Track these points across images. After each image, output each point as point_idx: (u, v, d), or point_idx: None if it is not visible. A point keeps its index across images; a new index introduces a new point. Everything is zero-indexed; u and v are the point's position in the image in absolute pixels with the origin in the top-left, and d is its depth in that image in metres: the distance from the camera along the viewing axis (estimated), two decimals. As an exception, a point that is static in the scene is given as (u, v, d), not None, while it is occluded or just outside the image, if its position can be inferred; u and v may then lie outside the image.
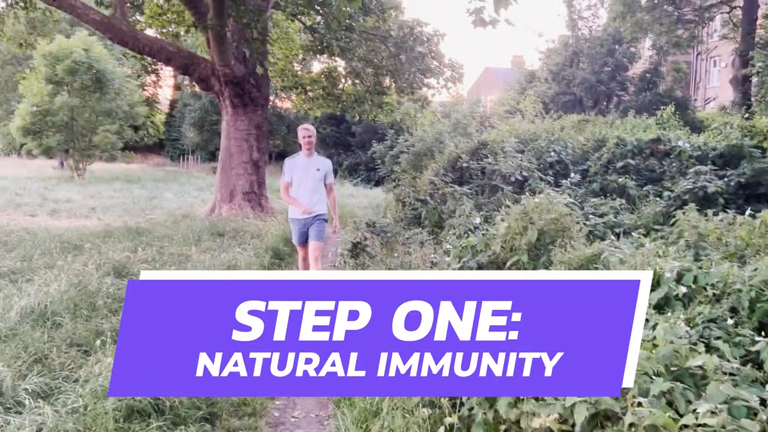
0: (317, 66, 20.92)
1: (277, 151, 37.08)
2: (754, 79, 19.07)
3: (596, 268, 5.19)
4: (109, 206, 14.99)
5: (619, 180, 10.52)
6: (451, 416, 3.09)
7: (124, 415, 3.45)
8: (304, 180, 6.40)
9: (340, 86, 17.27)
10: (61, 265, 7.03)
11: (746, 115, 13.36)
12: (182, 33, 15.78)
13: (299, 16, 15.15)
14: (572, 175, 10.55)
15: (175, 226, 10.75)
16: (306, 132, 6.45)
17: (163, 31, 15.36)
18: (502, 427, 2.99)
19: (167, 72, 38.60)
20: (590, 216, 8.73)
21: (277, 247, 9.43)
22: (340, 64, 16.85)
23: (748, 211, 6.34)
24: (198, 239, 9.34)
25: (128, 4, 13.96)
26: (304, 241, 6.49)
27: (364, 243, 8.45)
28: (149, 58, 14.49)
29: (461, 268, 6.40)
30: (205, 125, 36.59)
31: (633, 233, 7.35)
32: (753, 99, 19.28)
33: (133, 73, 28.75)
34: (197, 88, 21.24)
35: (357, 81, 16.49)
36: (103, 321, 5.07)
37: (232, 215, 12.61)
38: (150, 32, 14.85)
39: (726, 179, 9.63)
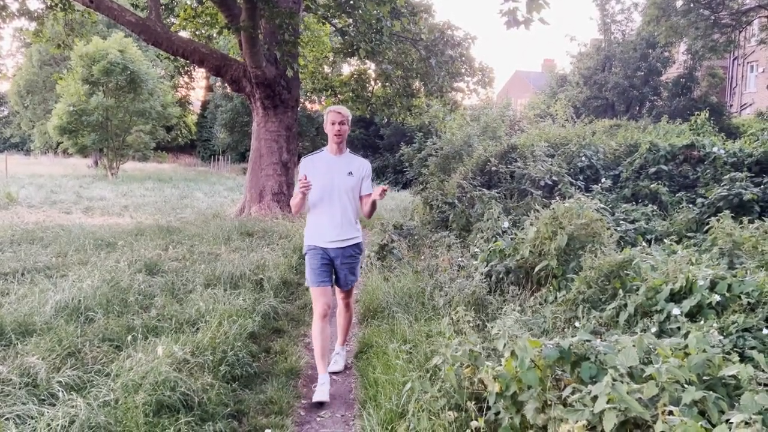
0: (347, 68, 21.03)
1: (306, 153, 37.31)
2: (793, 85, 18.58)
3: (627, 275, 5.13)
4: (141, 205, 15.26)
5: (652, 186, 10.35)
6: (477, 420, 3.07)
7: (153, 410, 3.50)
8: (329, 189, 4.47)
9: (370, 89, 17.33)
10: (95, 261, 7.19)
11: (784, 122, 13.04)
12: (215, 35, 16.01)
13: (330, 19, 15.25)
14: (603, 180, 10.39)
15: (205, 225, 10.89)
16: (337, 116, 4.46)
17: (197, 33, 15.61)
18: (529, 432, 2.96)
19: (200, 73, 39.25)
20: (621, 222, 8.61)
21: (305, 248, 9.48)
22: (370, 66, 16.91)
23: (785, 220, 6.19)
24: (227, 238, 9.45)
25: (162, 7, 14.21)
26: (327, 281, 4.55)
27: (391, 245, 8.46)
28: (182, 60, 14.71)
29: (489, 273, 6.37)
30: (236, 126, 37.04)
31: (665, 240, 7.23)
32: (792, 105, 18.79)
33: (167, 74, 29.25)
34: (229, 90, 21.54)
35: (387, 84, 16.53)
36: (134, 317, 5.17)
37: (261, 215, 12.73)
38: (184, 34, 15.10)
39: (762, 186, 9.40)
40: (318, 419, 4.09)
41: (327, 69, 19.50)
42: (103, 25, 29.08)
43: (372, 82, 17.44)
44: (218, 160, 40.02)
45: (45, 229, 9.69)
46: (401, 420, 3.54)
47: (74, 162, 33.49)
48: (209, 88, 42.89)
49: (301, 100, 21.14)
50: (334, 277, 4.68)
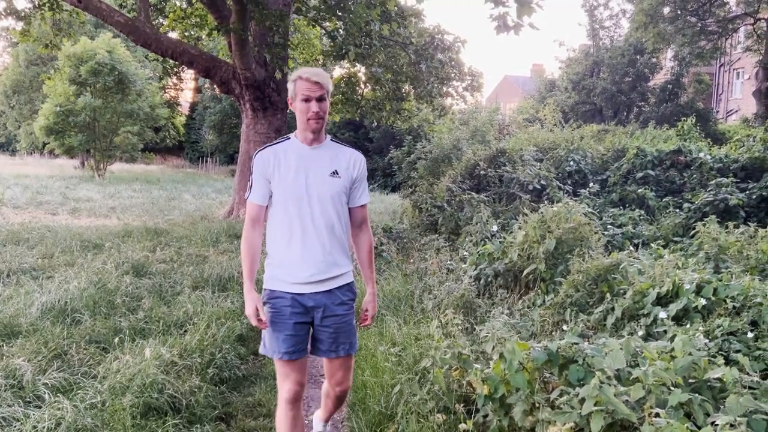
0: (337, 71, 21.03)
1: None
2: (778, 92, 18.82)
3: (614, 279, 5.17)
4: (128, 206, 15.16)
5: (639, 191, 10.43)
6: (465, 422, 3.08)
7: (141, 412, 3.49)
8: (301, 196, 2.85)
9: (360, 92, 17.34)
10: (81, 263, 7.14)
11: (769, 128, 13.18)
12: (203, 36, 15.95)
13: (320, 22, 15.25)
14: (591, 184, 10.47)
15: (193, 227, 10.84)
16: (313, 88, 2.78)
17: (186, 34, 15.55)
18: (517, 435, 2.98)
19: (189, 75, 39.05)
20: (609, 226, 8.67)
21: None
22: (360, 69, 16.92)
23: (769, 225, 6.27)
24: (216, 240, 9.41)
25: (152, 7, 14.15)
26: (300, 350, 2.91)
27: (380, 248, 8.47)
28: (171, 61, 14.64)
29: (477, 276, 6.39)
30: (224, 128, 36.90)
31: (652, 244, 7.29)
32: (776, 112, 19.04)
33: (155, 75, 29.12)
34: (218, 91, 21.43)
35: (376, 87, 16.54)
36: (121, 319, 5.14)
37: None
38: (173, 35, 15.04)
39: (748, 192, 9.51)
40: (306, 422, 4.08)
41: (317, 72, 19.48)
42: (91, 25, 28.88)
43: (362, 85, 17.44)
44: (206, 161, 39.86)
45: (31, 230, 9.60)
46: (390, 423, 3.54)
47: (61, 163, 33.21)
48: (198, 90, 42.72)
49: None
50: (310, 339, 2.99)
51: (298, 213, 2.84)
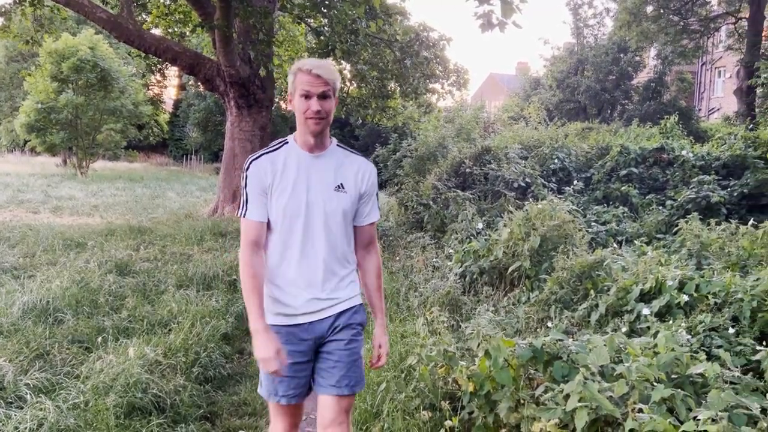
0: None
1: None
2: (759, 90, 19.07)
3: (598, 276, 5.21)
4: (111, 204, 15.01)
5: (622, 188, 10.52)
6: (451, 419, 3.09)
7: (125, 412, 3.46)
8: (301, 212, 2.42)
9: (345, 89, 17.31)
10: (64, 261, 7.06)
11: (750, 126, 13.35)
12: (187, 33, 15.83)
13: (305, 19, 15.19)
14: (575, 182, 10.55)
15: (177, 225, 10.76)
16: (316, 82, 2.36)
17: (170, 31, 15.41)
18: (502, 431, 3.00)
19: (172, 72, 38.71)
20: (593, 223, 8.75)
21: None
22: (346, 67, 16.89)
23: (750, 222, 6.35)
24: (200, 239, 9.35)
25: (134, 4, 14.02)
26: (299, 392, 2.51)
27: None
28: (155, 58, 14.51)
29: (463, 273, 6.42)
30: (209, 125, 36.66)
31: (635, 241, 7.37)
32: (757, 110, 19.28)
33: (138, 72, 28.84)
34: (202, 89, 21.29)
35: (362, 84, 16.52)
36: (104, 318, 5.09)
37: (234, 216, 12.62)
38: (156, 32, 14.91)
39: (729, 189, 9.64)
40: None
41: (302, 69, 19.41)
42: (72, 21, 28.50)
43: (347, 83, 17.41)
44: (191, 159, 39.58)
45: (12, 229, 9.47)
46: (376, 420, 3.55)
47: (42, 160, 32.79)
48: (182, 87, 42.40)
49: (276, 100, 21.03)
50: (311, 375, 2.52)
51: (294, 233, 2.41)
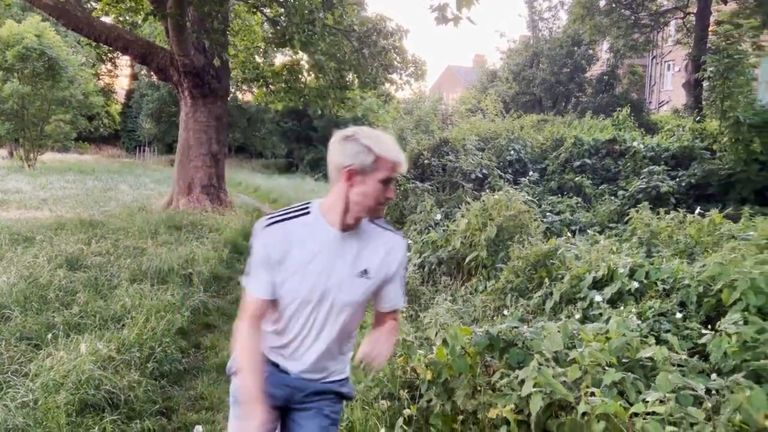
0: (280, 59, 20.75)
1: (237, 144, 36.62)
2: (705, 84, 19.64)
3: (552, 264, 5.31)
4: (61, 198, 14.55)
5: (576, 179, 10.75)
6: (410, 408, 3.12)
7: (76, 409, 3.38)
8: (316, 298, 2.05)
9: (303, 80, 17.16)
10: (11, 257, 6.81)
11: (697, 118, 13.78)
12: (139, 22, 15.42)
13: (261, 8, 14.97)
14: (531, 173, 10.73)
15: (130, 218, 10.51)
16: (398, 168, 2.00)
17: (120, 19, 14.98)
18: (460, 418, 3.04)
19: (124, 61, 37.76)
20: (547, 213, 8.91)
21: (236, 242, 9.32)
22: (303, 57, 16.73)
23: (697, 210, 6.57)
24: (155, 232, 9.16)
25: (84, -10, 13.58)
26: None
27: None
28: (105, 47, 14.10)
29: (422, 263, 6.46)
30: (162, 116, 35.90)
31: (588, 230, 7.54)
32: (704, 102, 19.90)
33: (89, 61, 27.98)
34: (155, 79, 20.81)
35: (320, 75, 16.40)
36: (54, 314, 4.95)
37: (190, 208, 12.40)
38: (107, 20, 14.46)
39: (677, 179, 9.94)
40: (250, 413, 4.04)
41: (258, 59, 19.16)
42: (17, 8, 27.45)
43: (305, 74, 17.25)
44: (144, 151, 38.70)
45: (-45, 224, 9.10)
46: (335, 411, 3.54)
47: (-13, 153, 31.58)
48: (134, 77, 41.36)
49: (232, 90, 20.71)
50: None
51: (298, 320, 2.09)
